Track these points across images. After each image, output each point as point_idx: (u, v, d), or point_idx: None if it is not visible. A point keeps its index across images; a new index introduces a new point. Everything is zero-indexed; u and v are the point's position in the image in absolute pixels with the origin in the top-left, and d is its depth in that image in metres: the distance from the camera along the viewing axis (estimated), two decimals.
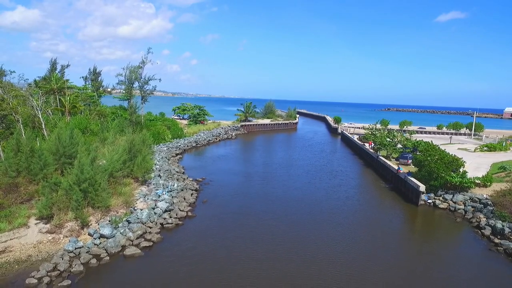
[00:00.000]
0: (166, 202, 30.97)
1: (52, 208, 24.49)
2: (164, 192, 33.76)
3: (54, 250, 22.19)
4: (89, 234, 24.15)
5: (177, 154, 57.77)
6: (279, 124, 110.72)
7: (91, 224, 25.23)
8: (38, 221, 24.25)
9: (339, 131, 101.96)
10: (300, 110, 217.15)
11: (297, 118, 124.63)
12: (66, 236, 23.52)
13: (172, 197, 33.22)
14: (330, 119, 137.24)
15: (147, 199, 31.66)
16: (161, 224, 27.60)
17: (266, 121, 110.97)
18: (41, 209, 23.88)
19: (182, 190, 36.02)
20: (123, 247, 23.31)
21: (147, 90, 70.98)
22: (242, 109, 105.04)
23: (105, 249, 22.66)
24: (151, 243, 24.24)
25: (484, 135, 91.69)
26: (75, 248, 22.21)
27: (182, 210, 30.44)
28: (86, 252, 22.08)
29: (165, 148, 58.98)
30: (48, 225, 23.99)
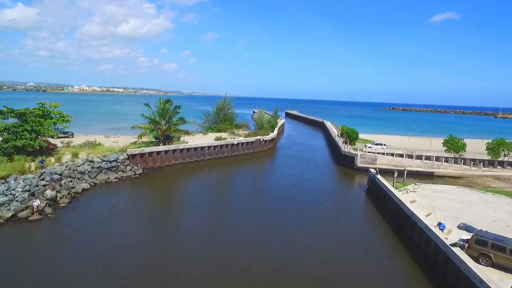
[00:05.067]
0: None
1: None
2: None
3: None
4: None
5: None
6: (232, 146, 55.37)
7: None
8: None
9: (359, 163, 47.30)
10: (290, 111, 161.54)
11: (275, 131, 68.94)
12: None
13: None
14: (332, 128, 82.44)
15: None
16: None
17: (207, 139, 55.76)
18: None
19: None
20: None
21: None
22: (154, 112, 49.77)
23: None
24: None
25: None
26: None
27: None
28: None
29: None
30: None
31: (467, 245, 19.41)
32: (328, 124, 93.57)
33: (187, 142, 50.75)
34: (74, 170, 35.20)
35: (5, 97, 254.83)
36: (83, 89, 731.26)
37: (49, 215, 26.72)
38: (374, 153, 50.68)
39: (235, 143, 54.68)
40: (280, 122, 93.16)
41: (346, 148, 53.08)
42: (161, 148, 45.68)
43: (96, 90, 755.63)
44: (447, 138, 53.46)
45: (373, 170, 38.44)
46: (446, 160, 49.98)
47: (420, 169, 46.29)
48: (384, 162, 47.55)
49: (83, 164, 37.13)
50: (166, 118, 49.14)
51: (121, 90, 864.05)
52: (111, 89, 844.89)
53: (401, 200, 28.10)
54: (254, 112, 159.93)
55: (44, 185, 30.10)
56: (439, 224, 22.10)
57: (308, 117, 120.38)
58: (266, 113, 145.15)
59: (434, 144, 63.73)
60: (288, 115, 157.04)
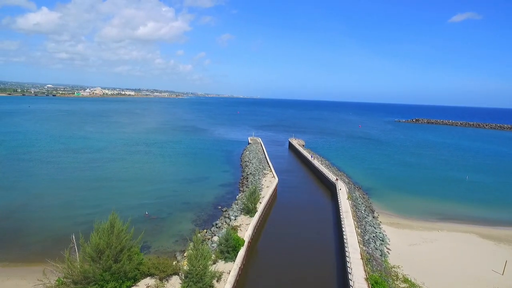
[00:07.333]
0: None
1: None
2: None
3: None
4: None
5: None
6: None
7: None
8: None
9: None
10: (295, 142, 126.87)
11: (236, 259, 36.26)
12: None
13: None
14: (348, 216, 49.79)
15: None
16: None
17: None
18: None
19: None
20: None
21: None
22: None
23: None
24: None
25: None
26: None
27: None
28: None
29: None
30: None
31: None
32: (343, 195, 60.80)
33: None
34: None
35: None
36: (93, 92, 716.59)
37: None
38: None
39: None
40: (268, 191, 61.71)
41: None
42: None
43: (107, 94, 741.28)
44: None
45: None
46: None
47: None
48: None
49: None
50: None
51: (133, 93, 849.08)
52: (123, 92, 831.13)
53: None
54: (249, 142, 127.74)
55: None
56: None
57: (315, 165, 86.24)
58: (262, 148, 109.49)
59: None
60: (291, 147, 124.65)
